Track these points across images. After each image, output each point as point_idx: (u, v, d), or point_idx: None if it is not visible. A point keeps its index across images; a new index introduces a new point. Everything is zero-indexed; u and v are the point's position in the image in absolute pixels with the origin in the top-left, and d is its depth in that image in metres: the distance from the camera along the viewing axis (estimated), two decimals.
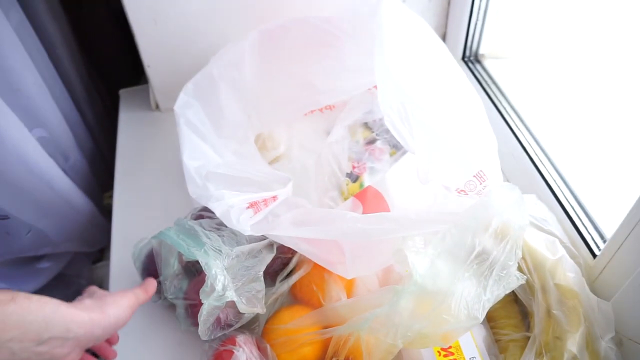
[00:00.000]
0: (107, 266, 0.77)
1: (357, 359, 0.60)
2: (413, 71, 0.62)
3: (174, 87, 0.76)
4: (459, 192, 0.58)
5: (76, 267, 1.01)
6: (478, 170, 0.59)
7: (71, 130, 0.93)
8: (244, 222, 0.60)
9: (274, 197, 0.63)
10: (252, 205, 0.61)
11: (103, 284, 1.04)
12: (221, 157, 0.67)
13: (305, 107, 0.84)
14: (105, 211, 0.97)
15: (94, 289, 0.55)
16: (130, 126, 0.98)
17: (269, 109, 0.78)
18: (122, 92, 1.06)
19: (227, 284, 0.57)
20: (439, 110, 0.61)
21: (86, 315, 0.47)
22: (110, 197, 0.88)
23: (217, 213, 0.60)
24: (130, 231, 0.79)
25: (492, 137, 0.64)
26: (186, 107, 0.69)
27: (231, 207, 0.60)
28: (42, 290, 0.89)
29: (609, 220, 0.70)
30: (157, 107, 1.00)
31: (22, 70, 0.78)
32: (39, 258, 0.91)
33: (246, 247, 0.61)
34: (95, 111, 1.11)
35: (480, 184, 0.58)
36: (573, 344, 0.59)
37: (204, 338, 0.60)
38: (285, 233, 0.59)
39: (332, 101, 0.82)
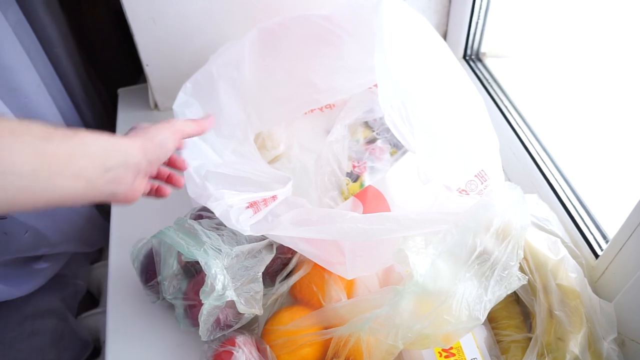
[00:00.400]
0: (106, 266, 0.77)
1: None
2: (414, 70, 0.62)
3: (173, 86, 0.76)
4: (460, 192, 0.58)
5: (74, 268, 1.00)
6: (479, 169, 0.58)
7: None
8: (244, 222, 0.60)
9: (274, 197, 0.63)
10: (252, 205, 0.61)
11: (101, 285, 1.05)
12: (220, 156, 0.67)
13: (305, 106, 0.83)
14: (103, 211, 0.96)
15: (141, 125, 0.56)
16: (128, 125, 0.96)
17: (268, 107, 0.78)
18: (121, 91, 1.06)
19: (227, 283, 0.57)
20: (440, 109, 0.61)
21: (137, 142, 0.50)
22: None
23: (217, 213, 0.60)
24: (128, 231, 0.79)
25: (493, 136, 0.63)
26: (185, 106, 0.69)
27: (230, 206, 0.59)
28: (39, 291, 0.89)
29: (612, 220, 0.70)
30: (156, 106, 0.99)
31: (20, 69, 0.77)
32: (37, 258, 0.90)
33: (246, 247, 0.61)
34: (94, 110, 1.10)
35: (482, 183, 0.58)
36: (575, 344, 0.59)
37: (204, 339, 0.60)
38: (285, 233, 0.59)
39: (332, 100, 0.81)
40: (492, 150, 0.62)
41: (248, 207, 0.61)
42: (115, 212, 0.83)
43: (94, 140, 0.45)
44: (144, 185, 0.52)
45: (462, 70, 0.67)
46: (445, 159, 0.58)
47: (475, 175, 0.58)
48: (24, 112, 0.76)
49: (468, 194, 0.58)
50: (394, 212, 0.61)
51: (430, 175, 0.58)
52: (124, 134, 0.53)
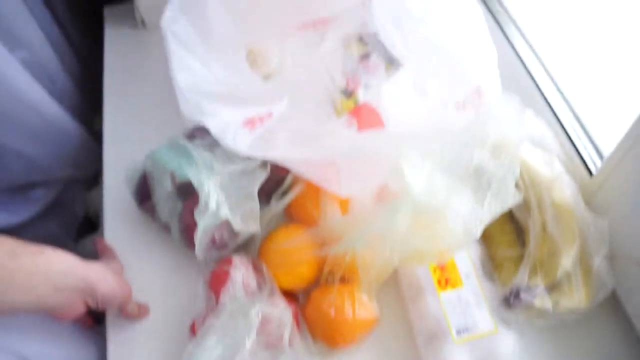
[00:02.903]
0: (102, 191, 0.76)
1: (353, 277, 0.61)
2: None
3: (160, 2, 0.72)
4: (456, 107, 0.57)
5: (70, 194, 1.00)
6: (477, 84, 0.57)
7: (55, 52, 0.89)
8: (241, 141, 0.58)
9: (270, 114, 0.61)
10: (248, 122, 0.59)
11: (99, 210, 1.05)
12: (212, 72, 0.64)
13: (297, 18, 0.80)
14: (96, 134, 0.95)
15: (110, 256, 0.66)
16: (117, 45, 0.95)
17: (259, 21, 0.74)
18: (107, 10, 1.01)
19: (221, 201, 0.57)
20: (436, 21, 0.58)
21: (93, 275, 0.54)
22: (101, 121, 0.86)
23: (212, 131, 0.58)
24: (122, 153, 0.78)
25: (492, 49, 0.61)
26: (173, 22, 0.66)
27: (227, 124, 0.58)
28: (37, 218, 0.89)
29: (607, 138, 0.69)
30: (143, 23, 0.96)
31: None
32: (32, 186, 0.90)
33: (239, 166, 0.60)
34: (80, 30, 1.06)
35: (479, 98, 0.56)
36: (567, 260, 0.60)
37: (200, 258, 0.60)
38: (283, 155, 0.58)
39: (326, 12, 0.78)
40: (490, 64, 0.60)
41: (245, 124, 0.59)
42: (108, 135, 0.81)
43: (58, 262, 0.51)
44: (84, 308, 0.55)
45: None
46: (442, 73, 0.57)
47: (473, 90, 0.57)
48: (5, 35, 0.72)
49: (465, 109, 0.57)
50: (389, 129, 0.60)
51: (427, 89, 0.56)
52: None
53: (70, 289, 0.52)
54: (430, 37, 0.58)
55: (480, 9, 0.63)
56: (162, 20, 0.68)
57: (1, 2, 0.74)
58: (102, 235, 0.72)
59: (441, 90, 0.57)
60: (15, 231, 0.85)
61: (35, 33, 0.83)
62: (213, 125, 0.58)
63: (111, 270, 0.59)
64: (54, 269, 0.51)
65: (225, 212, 0.56)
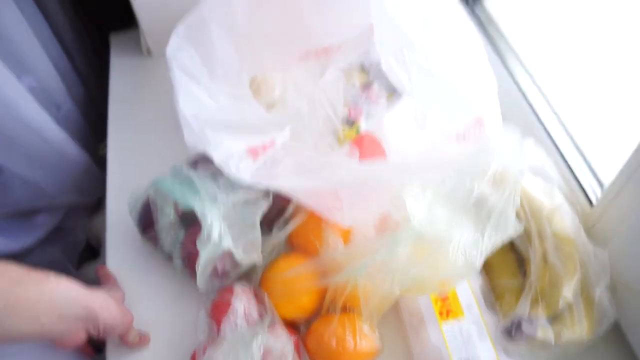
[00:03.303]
0: (104, 217, 0.77)
1: (354, 307, 0.61)
2: (411, 11, 0.60)
3: (165, 31, 0.73)
4: (457, 137, 0.57)
5: (73, 220, 1.00)
6: (477, 115, 0.58)
7: (62, 78, 0.90)
8: (244, 171, 0.59)
9: (272, 142, 0.62)
10: (252, 151, 0.60)
11: (100, 236, 1.05)
12: (216, 101, 0.65)
13: (299, 49, 0.81)
14: (100, 162, 0.96)
15: (113, 285, 0.66)
16: (122, 72, 0.96)
17: (261, 50, 0.76)
18: (113, 37, 1.03)
19: (224, 232, 0.57)
20: (437, 52, 0.59)
21: (97, 303, 0.55)
22: (105, 147, 0.87)
23: (216, 160, 0.59)
24: (125, 180, 0.79)
25: (492, 80, 0.62)
26: (178, 50, 0.67)
27: (230, 154, 0.58)
28: (39, 244, 0.89)
29: (607, 167, 0.69)
30: (149, 51, 0.97)
31: (7, 15, 0.75)
32: (35, 212, 0.90)
33: (242, 195, 0.61)
34: (86, 57, 1.08)
35: (480, 129, 0.57)
36: (568, 290, 0.60)
37: (202, 288, 0.61)
38: (286, 184, 0.58)
39: (327, 42, 0.79)
40: (490, 95, 0.61)
41: (248, 153, 0.60)
42: (112, 161, 0.82)
43: (62, 290, 0.52)
44: (85, 336, 0.55)
45: (461, 11, 0.65)
46: (443, 104, 0.57)
47: (473, 121, 0.57)
48: (13, 60, 0.74)
49: (465, 140, 0.57)
50: (391, 160, 0.61)
51: (428, 120, 0.57)
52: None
53: (73, 317, 0.52)
54: (431, 68, 0.59)
55: (480, 40, 0.64)
56: (167, 47, 0.69)
57: (11, 29, 0.76)
58: (104, 262, 0.72)
59: (442, 121, 0.57)
60: (17, 257, 0.85)
61: (43, 60, 0.85)
62: (216, 154, 0.59)
63: (113, 298, 0.59)
64: (58, 297, 0.51)
65: (227, 243, 0.57)
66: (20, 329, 0.49)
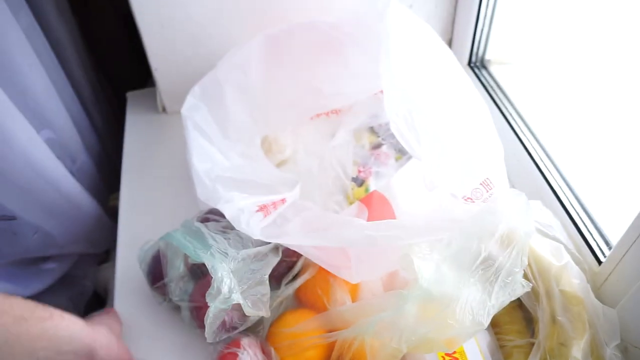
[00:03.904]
0: (113, 267, 0.77)
1: None
2: (419, 77, 0.63)
3: (181, 90, 0.77)
4: (465, 199, 0.58)
5: (82, 268, 1.01)
6: (484, 177, 0.59)
7: (78, 132, 0.93)
8: (254, 226, 0.60)
9: (283, 200, 0.63)
10: (262, 208, 0.61)
11: (108, 286, 1.05)
12: (228, 159, 0.67)
13: (310, 111, 0.84)
14: (111, 213, 0.97)
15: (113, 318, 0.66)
16: (137, 128, 0.99)
17: (274, 112, 0.78)
18: (130, 95, 1.06)
19: (234, 286, 0.58)
20: (445, 116, 0.61)
21: (100, 340, 0.56)
22: (116, 198, 0.88)
23: (227, 215, 0.60)
24: (136, 233, 0.80)
25: (498, 144, 0.64)
26: (193, 110, 0.70)
27: (241, 210, 0.60)
28: (47, 291, 0.89)
29: (615, 226, 0.70)
30: (164, 109, 1.00)
31: (30, 71, 0.78)
32: (44, 259, 0.91)
33: (252, 251, 0.61)
34: (103, 113, 1.11)
35: (487, 191, 0.58)
36: (578, 350, 0.59)
37: (210, 341, 0.60)
38: (295, 242, 0.59)
39: (338, 105, 0.82)
40: (497, 158, 0.63)
41: (258, 210, 0.61)
42: (123, 214, 0.83)
43: (65, 327, 0.53)
44: None
45: (467, 77, 0.68)
46: (451, 167, 0.59)
47: (480, 183, 0.58)
48: (34, 115, 0.76)
49: (473, 202, 0.58)
50: (400, 220, 0.62)
51: (436, 182, 0.58)
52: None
53: (72, 353, 0.53)
54: (439, 132, 0.60)
55: (486, 105, 0.66)
56: (183, 107, 0.72)
57: (35, 85, 0.79)
58: None
59: (450, 183, 0.59)
60: None
61: (61, 114, 0.87)
62: (228, 210, 0.60)
63: (115, 334, 0.60)
64: (59, 334, 0.52)
65: (237, 298, 0.57)
66: None
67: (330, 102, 0.81)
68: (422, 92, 0.61)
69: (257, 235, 0.59)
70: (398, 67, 0.62)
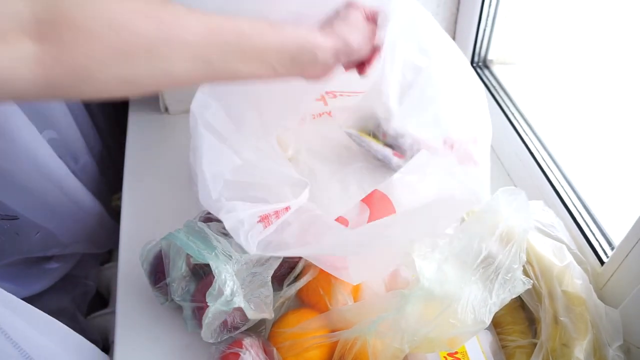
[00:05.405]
0: (115, 267, 0.77)
1: None
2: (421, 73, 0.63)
3: (184, 91, 0.76)
4: (446, 144, 0.58)
5: (84, 268, 1.01)
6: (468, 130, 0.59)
7: (81, 133, 0.93)
8: (252, 241, 0.59)
9: (287, 208, 0.63)
10: (263, 219, 0.60)
11: (110, 285, 1.06)
12: (241, 156, 0.66)
13: (311, 110, 0.84)
14: (113, 213, 0.97)
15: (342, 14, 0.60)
16: (139, 129, 0.99)
17: (277, 110, 0.78)
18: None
19: (236, 289, 0.58)
20: (446, 112, 0.61)
21: (330, 43, 0.54)
22: (119, 198, 0.88)
23: (227, 227, 0.59)
24: (138, 233, 0.80)
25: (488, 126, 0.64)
26: (203, 107, 0.67)
27: (241, 222, 0.58)
28: (50, 290, 0.90)
29: (617, 227, 0.70)
30: (167, 110, 1.00)
31: None
32: (47, 259, 0.91)
33: (255, 256, 0.61)
34: (105, 113, 1.11)
35: (473, 142, 0.59)
36: (580, 351, 0.59)
37: (208, 341, 0.61)
38: (290, 254, 0.59)
39: (339, 104, 0.82)
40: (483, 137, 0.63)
41: (259, 221, 0.60)
42: (125, 214, 0.83)
43: (294, 38, 0.51)
44: (333, 69, 0.56)
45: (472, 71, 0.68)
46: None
47: (461, 132, 0.59)
48: (36, 115, 0.76)
49: (452, 149, 0.58)
50: (395, 218, 0.61)
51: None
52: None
53: (306, 62, 0.53)
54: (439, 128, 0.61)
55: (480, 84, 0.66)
56: (192, 103, 0.71)
57: None
58: (113, 311, 0.72)
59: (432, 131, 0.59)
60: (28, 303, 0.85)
61: (64, 115, 0.88)
62: (228, 222, 0.58)
63: (340, 27, 0.57)
64: (286, 45, 0.51)
65: (239, 300, 0.57)
66: (251, 73, 0.49)
67: (332, 101, 0.81)
68: (422, 89, 0.61)
69: (253, 251, 0.58)
70: (399, 67, 0.62)
